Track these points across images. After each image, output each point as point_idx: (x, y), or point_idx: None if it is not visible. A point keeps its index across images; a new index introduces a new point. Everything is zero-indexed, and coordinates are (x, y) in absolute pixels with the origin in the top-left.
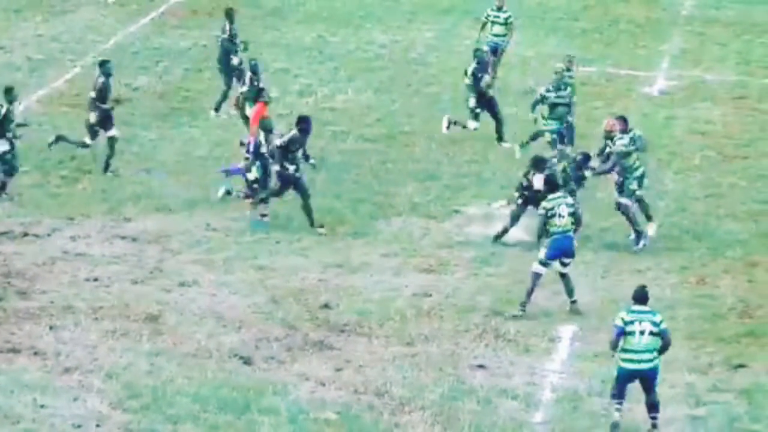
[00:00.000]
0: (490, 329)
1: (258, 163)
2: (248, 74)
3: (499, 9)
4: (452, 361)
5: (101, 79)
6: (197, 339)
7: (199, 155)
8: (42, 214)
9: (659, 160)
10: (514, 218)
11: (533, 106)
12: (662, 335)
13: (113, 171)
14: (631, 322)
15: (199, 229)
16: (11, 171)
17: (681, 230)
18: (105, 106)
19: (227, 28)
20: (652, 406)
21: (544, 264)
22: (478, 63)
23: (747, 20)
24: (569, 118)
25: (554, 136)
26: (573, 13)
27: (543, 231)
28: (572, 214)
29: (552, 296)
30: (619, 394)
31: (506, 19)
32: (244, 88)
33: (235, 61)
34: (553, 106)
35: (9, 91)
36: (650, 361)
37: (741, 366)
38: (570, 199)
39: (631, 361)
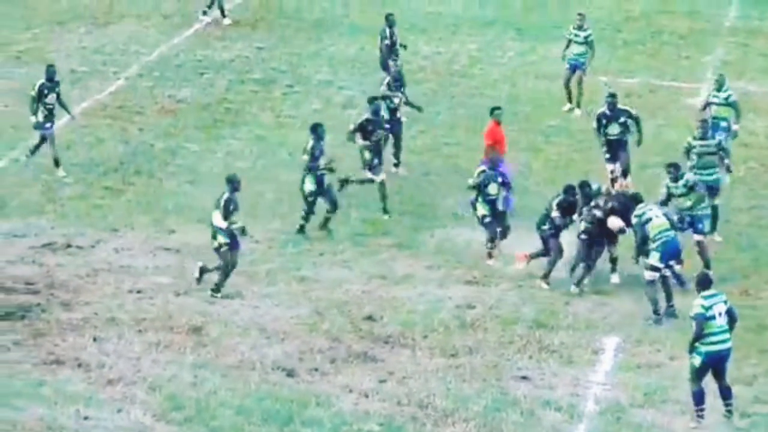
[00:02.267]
0: (533, 341)
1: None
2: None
3: (579, 28)
4: (496, 373)
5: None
6: (240, 351)
7: (241, 167)
8: (85, 225)
9: None
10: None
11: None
12: (731, 312)
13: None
14: (710, 307)
15: (242, 241)
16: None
17: (724, 241)
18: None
19: (388, 33)
20: (727, 392)
21: (655, 269)
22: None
23: None
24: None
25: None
26: (615, 24)
27: (642, 240)
28: (665, 215)
29: (595, 307)
30: (699, 393)
31: (586, 38)
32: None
33: (392, 66)
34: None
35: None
36: (728, 341)
37: None
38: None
39: (715, 343)
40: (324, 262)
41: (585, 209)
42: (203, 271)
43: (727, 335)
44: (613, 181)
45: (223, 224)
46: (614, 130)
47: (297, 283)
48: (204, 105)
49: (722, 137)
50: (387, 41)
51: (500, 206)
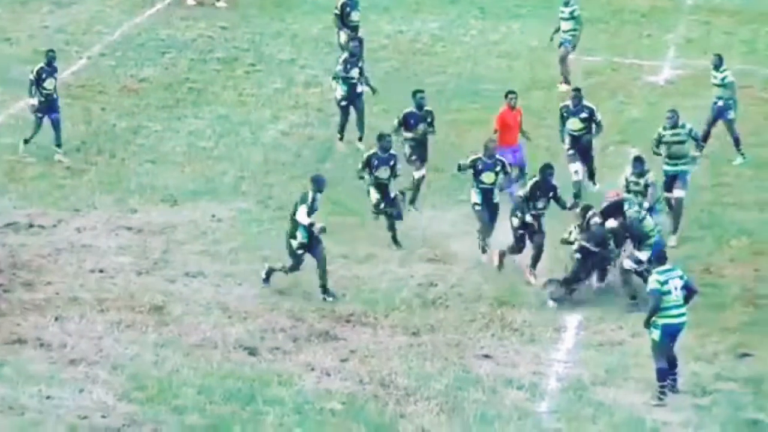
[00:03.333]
0: (495, 319)
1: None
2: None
3: (566, 4)
4: (458, 351)
5: None
6: (202, 330)
7: (204, 146)
8: (47, 205)
9: None
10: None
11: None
12: (689, 286)
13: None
14: (665, 282)
15: (204, 220)
16: None
17: (687, 219)
18: None
19: (340, 5)
20: (673, 361)
21: (639, 263)
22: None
23: (753, 9)
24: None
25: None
26: (578, 3)
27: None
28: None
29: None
30: (664, 370)
31: (571, 12)
32: None
33: (349, 42)
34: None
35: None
36: (684, 315)
37: (746, 355)
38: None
39: (673, 316)
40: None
41: (582, 227)
42: (271, 271)
43: (683, 309)
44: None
45: (307, 221)
46: (576, 125)
47: (259, 261)
48: (166, 84)
49: (730, 116)
50: (337, 11)
51: (496, 197)
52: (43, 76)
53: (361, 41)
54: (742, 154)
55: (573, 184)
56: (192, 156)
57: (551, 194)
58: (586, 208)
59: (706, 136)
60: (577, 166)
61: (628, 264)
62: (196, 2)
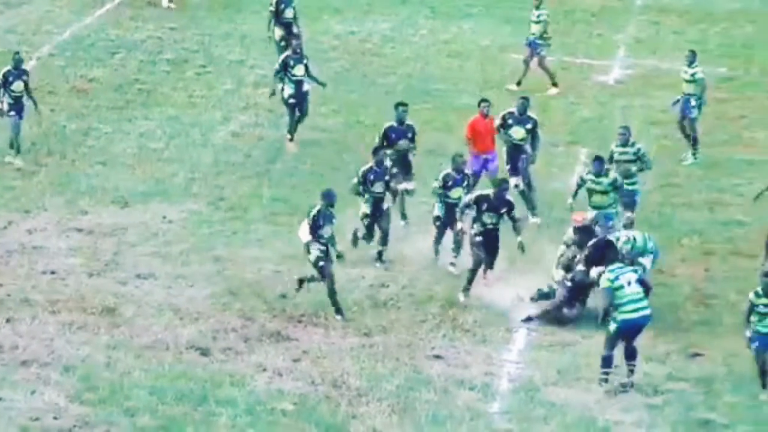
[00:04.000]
0: (447, 319)
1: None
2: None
3: (537, 7)
4: (409, 352)
5: None
6: (154, 331)
7: (154, 148)
8: None
9: None
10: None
11: None
12: (644, 282)
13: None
14: (616, 278)
15: (155, 222)
16: None
17: (637, 220)
18: None
19: (274, 2)
20: (633, 352)
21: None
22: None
23: (702, 9)
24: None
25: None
26: (529, 3)
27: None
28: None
29: (508, 287)
30: (609, 358)
31: (538, 16)
32: None
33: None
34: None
35: None
36: (646, 309)
37: (697, 355)
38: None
39: (631, 311)
40: (237, 241)
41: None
42: (302, 281)
43: (643, 303)
44: None
45: (307, 238)
46: (518, 134)
47: (211, 262)
48: (116, 85)
49: (693, 114)
50: (272, 8)
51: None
52: (10, 79)
53: (298, 37)
54: (695, 155)
55: (520, 195)
56: (142, 157)
57: (504, 210)
58: (585, 231)
59: (693, 139)
60: (517, 180)
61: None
62: (149, 2)
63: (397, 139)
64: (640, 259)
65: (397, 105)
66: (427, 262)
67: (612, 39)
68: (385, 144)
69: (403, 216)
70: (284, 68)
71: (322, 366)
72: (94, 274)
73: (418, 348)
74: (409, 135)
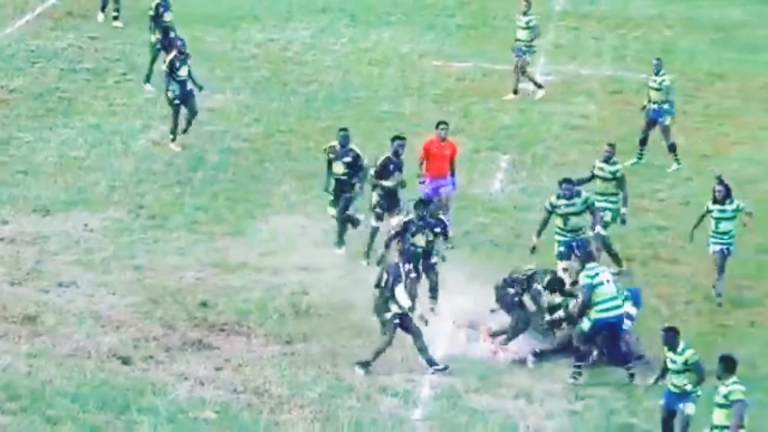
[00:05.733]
0: (367, 327)
1: None
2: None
3: (524, 14)
4: (331, 359)
5: None
6: (76, 339)
7: (75, 156)
8: None
9: (535, 155)
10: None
11: None
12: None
13: None
14: (595, 275)
15: (76, 230)
16: None
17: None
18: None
19: (154, 6)
20: (628, 357)
21: None
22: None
23: (621, 15)
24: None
25: None
26: (449, 10)
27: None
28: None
29: (422, 296)
30: (585, 353)
31: (527, 23)
32: None
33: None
34: None
35: None
36: (620, 308)
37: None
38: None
39: (606, 310)
40: (158, 249)
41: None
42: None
43: (617, 302)
44: None
45: (407, 304)
46: (339, 168)
47: (132, 271)
48: (37, 94)
49: (667, 122)
50: (151, 12)
51: (433, 257)
52: None
53: (183, 41)
54: (677, 160)
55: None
56: (64, 166)
57: (438, 230)
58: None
59: (643, 141)
60: (333, 211)
61: (628, 324)
62: (68, 12)
63: (393, 172)
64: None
65: (395, 138)
66: (348, 269)
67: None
68: (380, 176)
69: (366, 255)
70: (171, 69)
71: (244, 374)
72: (15, 283)
73: (339, 355)
74: (401, 170)
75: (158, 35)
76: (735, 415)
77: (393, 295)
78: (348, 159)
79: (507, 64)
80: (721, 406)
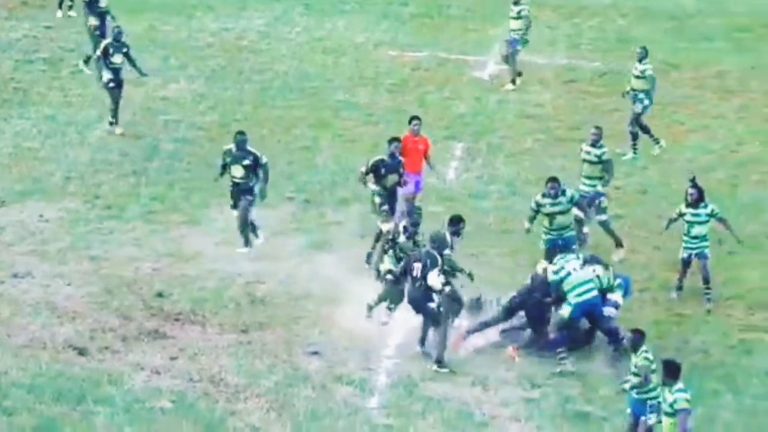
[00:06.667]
0: (323, 316)
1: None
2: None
3: (515, 3)
4: (287, 348)
5: None
6: (31, 330)
7: (30, 147)
8: None
9: (490, 144)
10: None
11: None
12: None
13: None
14: (561, 268)
15: (32, 220)
16: None
17: (513, 213)
18: None
19: None
20: (612, 336)
21: None
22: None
23: (576, 3)
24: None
25: None
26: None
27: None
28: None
29: (378, 285)
30: (560, 339)
31: (519, 12)
32: None
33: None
34: None
35: None
36: (594, 289)
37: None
38: None
39: (581, 294)
40: (114, 240)
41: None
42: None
43: (591, 285)
44: None
45: (439, 286)
46: (238, 172)
47: (88, 261)
48: None
49: (637, 110)
50: None
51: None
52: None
53: (120, 29)
54: (635, 150)
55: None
56: (18, 156)
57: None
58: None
59: (645, 129)
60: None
61: (611, 312)
62: (23, 2)
63: (386, 174)
64: (609, 296)
65: (391, 140)
66: (304, 258)
67: (488, 34)
68: (374, 179)
69: (367, 259)
70: (104, 55)
71: (200, 363)
72: None
73: (295, 344)
74: (400, 171)
75: (95, 21)
76: (680, 425)
77: (428, 284)
78: (247, 162)
79: (462, 53)
80: (668, 414)
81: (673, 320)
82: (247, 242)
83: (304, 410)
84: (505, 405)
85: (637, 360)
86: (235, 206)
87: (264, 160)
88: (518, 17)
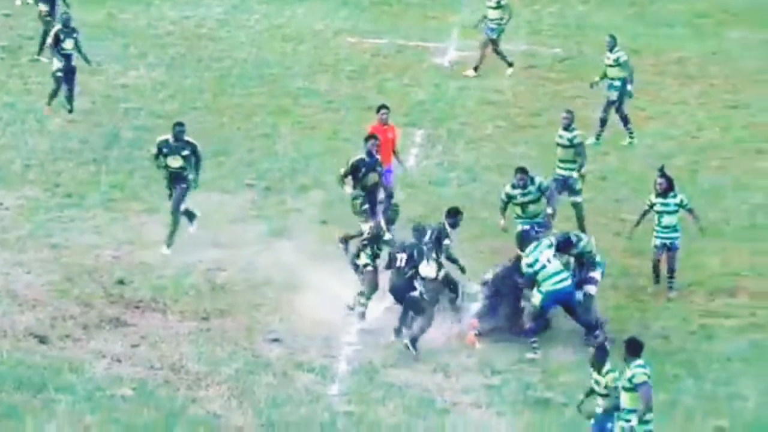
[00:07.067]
0: (284, 303)
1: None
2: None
3: None
4: (247, 336)
5: None
6: None
7: None
8: None
9: (450, 130)
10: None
11: None
12: (561, 240)
13: None
14: (535, 261)
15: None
16: None
17: (473, 200)
18: None
19: None
20: (587, 325)
21: None
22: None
23: None
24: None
25: None
26: None
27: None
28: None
29: (339, 272)
30: (534, 328)
31: (498, 2)
32: None
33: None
34: None
35: None
36: (568, 279)
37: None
38: None
39: (554, 283)
40: (74, 228)
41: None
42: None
43: (565, 275)
44: None
45: (432, 276)
46: (175, 162)
47: (48, 249)
48: None
49: (614, 96)
50: None
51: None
52: None
53: (68, 15)
54: (599, 136)
55: None
56: None
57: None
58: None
59: (625, 120)
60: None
61: (591, 290)
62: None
63: (366, 173)
64: (591, 273)
65: (368, 138)
66: (264, 245)
67: (447, 21)
68: (352, 178)
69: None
70: (56, 42)
71: (161, 351)
72: None
73: (255, 332)
74: (378, 169)
75: (45, 7)
76: (642, 398)
77: (417, 273)
78: (186, 152)
79: (422, 40)
80: (626, 389)
81: (634, 306)
82: (171, 242)
83: (265, 397)
84: (466, 392)
85: (604, 380)
86: (170, 196)
87: (199, 148)
88: (498, 6)
